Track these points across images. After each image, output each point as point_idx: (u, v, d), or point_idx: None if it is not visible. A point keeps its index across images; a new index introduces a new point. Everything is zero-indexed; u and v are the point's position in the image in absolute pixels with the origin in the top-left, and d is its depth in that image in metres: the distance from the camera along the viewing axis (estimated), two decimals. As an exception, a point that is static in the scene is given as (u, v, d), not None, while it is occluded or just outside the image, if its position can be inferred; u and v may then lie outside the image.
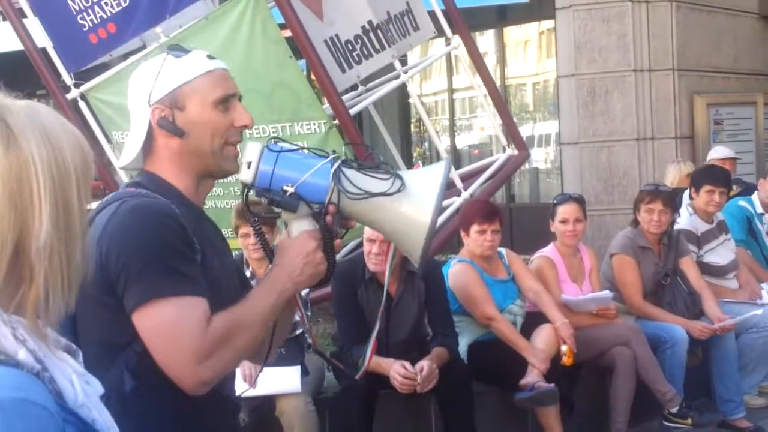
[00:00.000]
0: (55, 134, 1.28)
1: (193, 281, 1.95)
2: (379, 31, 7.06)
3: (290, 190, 2.02)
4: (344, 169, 2.02)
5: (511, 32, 12.11)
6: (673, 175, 7.47)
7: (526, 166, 10.32)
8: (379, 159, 2.10)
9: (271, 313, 2.03)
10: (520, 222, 10.58)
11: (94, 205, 2.02)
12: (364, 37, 6.98)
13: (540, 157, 12.14)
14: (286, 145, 2.08)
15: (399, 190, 2.00)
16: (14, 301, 1.23)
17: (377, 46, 7.05)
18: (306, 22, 6.19)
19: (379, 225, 2.12)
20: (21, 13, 6.94)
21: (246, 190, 2.07)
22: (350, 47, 6.85)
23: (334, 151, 2.08)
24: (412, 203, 2.01)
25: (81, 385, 1.29)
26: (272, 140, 2.08)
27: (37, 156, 1.24)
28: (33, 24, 6.89)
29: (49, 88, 6.87)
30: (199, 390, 1.93)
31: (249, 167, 2.04)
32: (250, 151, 2.06)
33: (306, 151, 2.11)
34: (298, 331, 4.67)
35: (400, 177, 2.02)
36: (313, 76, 6.86)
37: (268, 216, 2.10)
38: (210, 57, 2.15)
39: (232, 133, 2.12)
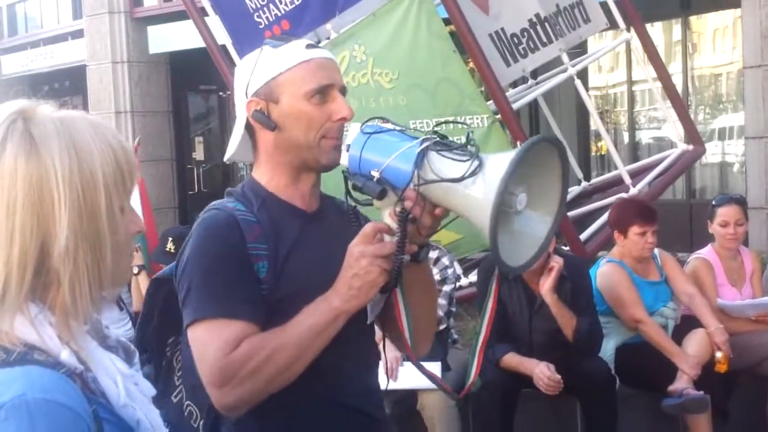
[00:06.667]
0: (83, 144, 1.32)
1: (233, 302, 1.90)
2: (546, 24, 6.99)
3: (376, 175, 1.88)
4: (430, 153, 1.85)
5: (696, 22, 11.65)
6: None
7: (707, 160, 9.92)
8: (467, 139, 1.88)
9: (312, 335, 1.89)
10: (701, 218, 10.15)
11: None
12: (531, 31, 6.92)
13: (723, 151, 11.62)
14: (388, 125, 1.93)
15: (473, 173, 1.79)
16: (46, 305, 1.31)
17: (544, 39, 6.98)
18: (471, 17, 6.20)
19: (457, 211, 1.90)
20: (203, 12, 7.31)
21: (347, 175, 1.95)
22: (516, 41, 6.81)
23: (435, 133, 1.89)
24: (481, 186, 1.80)
25: (126, 386, 1.35)
26: (372, 119, 1.94)
27: (58, 165, 1.29)
28: (214, 22, 7.24)
29: (229, 84, 7.20)
30: (228, 413, 1.91)
31: (348, 150, 1.93)
32: (351, 134, 1.95)
33: (404, 132, 1.92)
34: (442, 327, 4.72)
35: (479, 158, 1.82)
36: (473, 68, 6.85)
37: (365, 202, 1.95)
38: (310, 46, 2.05)
39: (329, 128, 2.02)
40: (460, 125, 6.20)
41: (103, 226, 1.33)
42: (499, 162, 1.80)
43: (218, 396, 1.87)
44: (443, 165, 1.84)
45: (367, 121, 1.93)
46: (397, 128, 1.92)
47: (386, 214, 1.92)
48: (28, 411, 1.20)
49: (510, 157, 1.77)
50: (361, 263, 1.88)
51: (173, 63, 14.35)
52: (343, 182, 1.96)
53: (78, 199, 1.30)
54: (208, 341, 1.87)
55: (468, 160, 1.82)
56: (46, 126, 1.32)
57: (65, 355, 1.29)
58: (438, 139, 1.87)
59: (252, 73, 2.01)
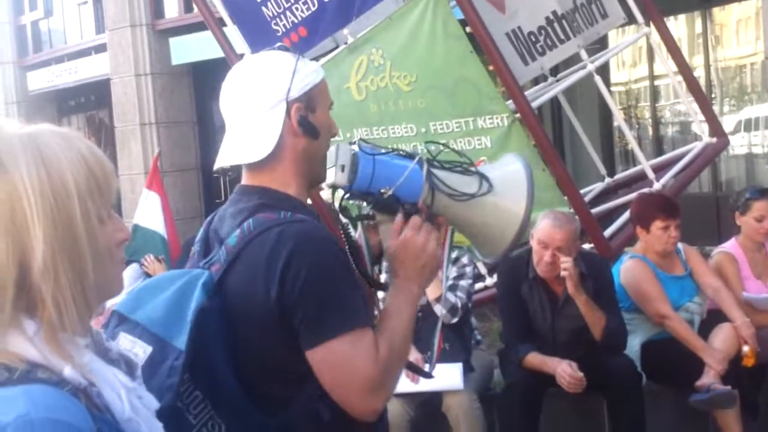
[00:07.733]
0: (53, 156, 1.29)
1: (361, 311, 1.93)
2: (564, 21, 6.95)
3: (388, 192, 2.01)
4: (433, 170, 2.05)
5: (718, 14, 11.56)
6: None
7: (733, 152, 9.80)
8: (461, 155, 2.14)
9: (412, 325, 2.01)
10: (728, 211, 10.06)
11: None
12: (548, 28, 6.89)
13: (749, 143, 11.51)
14: (373, 147, 2.08)
15: (489, 190, 2.05)
16: (36, 322, 1.27)
17: (562, 37, 6.95)
18: (487, 17, 6.19)
19: (466, 221, 2.11)
20: (221, 22, 7.34)
21: (344, 193, 2.04)
22: (533, 39, 6.79)
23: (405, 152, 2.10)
24: (506, 196, 2.07)
25: (130, 400, 1.33)
26: (355, 142, 2.07)
27: (27, 180, 1.26)
28: (232, 32, 7.26)
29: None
30: (371, 419, 1.94)
31: (343, 170, 2.01)
32: (343, 155, 2.02)
33: (392, 152, 2.09)
34: (455, 320, 4.65)
35: (482, 174, 2.08)
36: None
37: (361, 218, 2.10)
38: None
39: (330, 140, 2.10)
40: (480, 126, 6.25)
41: (81, 235, 1.29)
42: (506, 174, 2.12)
43: (373, 401, 1.92)
44: (457, 180, 2.06)
45: (354, 143, 2.08)
46: (382, 149, 2.09)
47: (386, 227, 2.08)
48: (32, 430, 1.20)
49: (520, 173, 2.11)
50: (428, 251, 2.03)
51: (195, 73, 14.44)
52: (335, 200, 2.07)
53: (51, 209, 1.27)
54: (358, 352, 1.88)
55: (471, 174, 2.08)
56: (12, 142, 1.29)
57: (68, 371, 1.27)
58: (429, 158, 2.08)
59: (293, 78, 2.00)
